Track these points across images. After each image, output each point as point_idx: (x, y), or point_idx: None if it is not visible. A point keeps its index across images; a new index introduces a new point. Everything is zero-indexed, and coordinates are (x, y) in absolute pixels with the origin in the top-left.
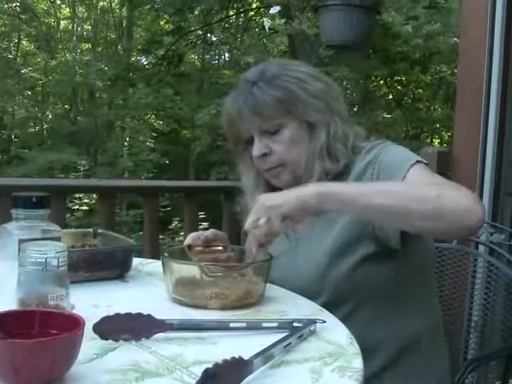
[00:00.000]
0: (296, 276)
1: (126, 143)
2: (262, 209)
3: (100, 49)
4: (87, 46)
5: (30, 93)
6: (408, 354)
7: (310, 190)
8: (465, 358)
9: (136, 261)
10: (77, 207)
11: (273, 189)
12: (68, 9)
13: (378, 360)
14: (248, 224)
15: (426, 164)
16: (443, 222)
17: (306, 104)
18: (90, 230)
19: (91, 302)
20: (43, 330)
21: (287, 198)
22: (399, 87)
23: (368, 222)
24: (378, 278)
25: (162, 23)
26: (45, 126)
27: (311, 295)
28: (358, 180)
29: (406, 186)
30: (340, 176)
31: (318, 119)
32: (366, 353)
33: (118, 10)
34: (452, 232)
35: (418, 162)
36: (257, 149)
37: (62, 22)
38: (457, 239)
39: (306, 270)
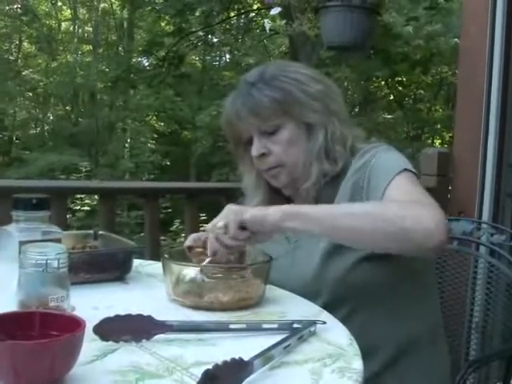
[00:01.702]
0: (294, 277)
1: (126, 145)
2: (224, 213)
3: (101, 50)
4: (88, 47)
5: (31, 94)
6: (407, 354)
7: (277, 209)
8: (466, 358)
9: (136, 262)
10: (78, 208)
11: (273, 189)
12: (69, 10)
13: (378, 361)
14: (208, 225)
15: (413, 173)
16: (405, 243)
17: (304, 105)
18: (91, 231)
19: (91, 303)
20: (43, 332)
21: (252, 209)
22: (400, 88)
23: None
24: (376, 279)
25: (162, 24)
26: (46, 128)
27: (309, 296)
28: (351, 182)
29: (372, 206)
30: (338, 177)
31: (316, 120)
32: (366, 354)
33: (118, 12)
34: (415, 253)
35: (404, 170)
36: (255, 149)
37: (63, 23)
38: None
39: (303, 272)
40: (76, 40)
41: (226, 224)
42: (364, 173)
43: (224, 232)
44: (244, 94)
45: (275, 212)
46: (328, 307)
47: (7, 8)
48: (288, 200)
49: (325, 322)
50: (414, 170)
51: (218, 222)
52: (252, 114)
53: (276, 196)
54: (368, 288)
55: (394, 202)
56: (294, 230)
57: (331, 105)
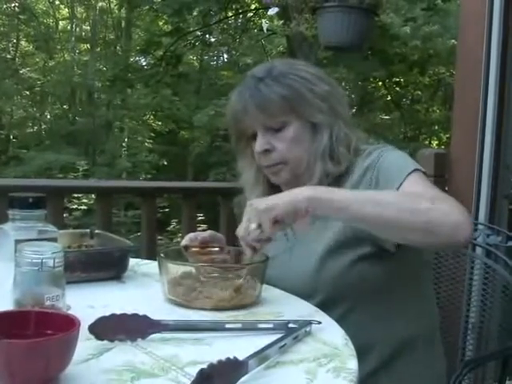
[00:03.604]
0: (291, 276)
1: (124, 144)
2: (252, 213)
3: (98, 49)
4: (86, 46)
5: (28, 93)
6: (404, 354)
7: (303, 195)
8: (462, 359)
9: (133, 261)
10: (75, 207)
11: (272, 186)
12: (67, 9)
13: (373, 360)
14: (239, 230)
15: (423, 172)
16: (433, 236)
17: (311, 104)
18: (87, 230)
19: (87, 302)
20: (39, 331)
21: (278, 202)
22: (397, 88)
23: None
24: (373, 278)
25: (160, 24)
26: (43, 127)
27: (306, 295)
28: (357, 183)
29: (399, 196)
30: (341, 178)
31: (321, 120)
32: (361, 353)
33: (116, 11)
34: (440, 246)
35: (415, 170)
36: (259, 144)
37: (60, 22)
38: (444, 251)
39: (300, 270)
40: (73, 39)
41: (259, 224)
42: (371, 174)
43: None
44: (251, 88)
45: (303, 200)
46: (325, 306)
47: (5, 6)
48: None
49: (320, 322)
50: (423, 170)
51: (250, 224)
52: (259, 109)
53: (275, 192)
54: (365, 287)
55: (419, 195)
56: (321, 215)
57: (337, 106)
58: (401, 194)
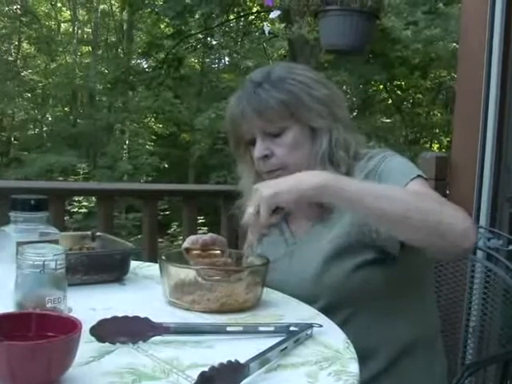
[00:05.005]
0: (293, 280)
1: (125, 146)
2: (256, 199)
3: (100, 52)
4: (87, 48)
5: (29, 95)
6: (405, 358)
7: (312, 182)
8: (462, 362)
9: (134, 264)
10: (76, 210)
11: None
12: (69, 11)
13: (377, 363)
14: (245, 217)
15: (425, 179)
16: (441, 239)
17: (310, 109)
18: (89, 232)
19: (89, 304)
20: (40, 333)
21: (283, 188)
22: (399, 92)
23: (367, 226)
24: (376, 283)
25: (162, 27)
26: (44, 129)
27: (309, 299)
28: None
29: (411, 195)
30: None
31: (321, 125)
32: (365, 356)
33: (118, 13)
34: (446, 250)
35: (418, 176)
36: (258, 150)
37: (62, 24)
38: (447, 259)
39: (302, 274)
40: (75, 41)
41: (258, 208)
42: (373, 179)
43: (255, 219)
44: (250, 93)
45: (312, 188)
46: (328, 310)
47: (7, 9)
48: None
49: (321, 325)
50: (425, 176)
51: (248, 208)
52: (257, 114)
53: None
54: (368, 292)
55: (429, 197)
56: (329, 204)
57: (336, 110)
58: (411, 193)
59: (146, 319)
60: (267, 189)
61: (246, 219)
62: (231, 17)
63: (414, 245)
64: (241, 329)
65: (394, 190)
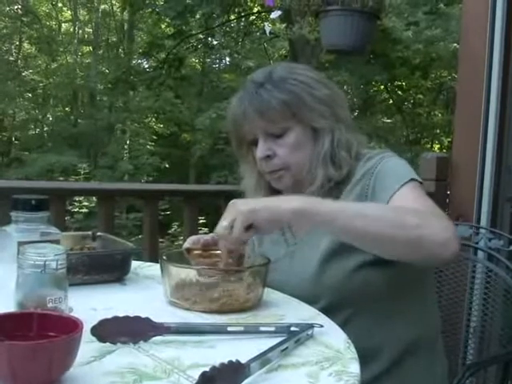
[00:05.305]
0: (293, 280)
1: (126, 146)
2: (231, 211)
3: (101, 52)
4: (88, 48)
5: (30, 95)
6: (406, 358)
7: (289, 206)
8: (463, 363)
9: (135, 264)
10: (77, 210)
11: (273, 191)
12: (69, 11)
13: (378, 364)
14: (218, 228)
15: (420, 182)
16: (418, 252)
17: (312, 109)
18: (89, 232)
19: (89, 304)
20: (41, 333)
21: (261, 208)
22: (399, 92)
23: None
24: (377, 283)
25: (163, 27)
26: (45, 129)
27: (309, 300)
28: (354, 185)
29: (387, 210)
30: (341, 183)
31: (323, 125)
32: (366, 357)
33: (119, 13)
34: (426, 262)
35: (411, 179)
36: (260, 151)
37: (63, 24)
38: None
39: (302, 275)
40: (76, 41)
41: (232, 223)
42: (368, 180)
43: (228, 232)
44: (251, 93)
45: (288, 213)
46: (329, 310)
47: (8, 9)
48: None
49: (322, 326)
50: (420, 180)
51: (222, 221)
52: (259, 115)
53: None
54: (369, 292)
55: (409, 210)
56: (306, 227)
57: (338, 110)
58: (390, 209)
59: (147, 319)
60: (245, 205)
61: (218, 230)
62: (232, 17)
63: (393, 259)
64: (242, 329)
65: (370, 206)
